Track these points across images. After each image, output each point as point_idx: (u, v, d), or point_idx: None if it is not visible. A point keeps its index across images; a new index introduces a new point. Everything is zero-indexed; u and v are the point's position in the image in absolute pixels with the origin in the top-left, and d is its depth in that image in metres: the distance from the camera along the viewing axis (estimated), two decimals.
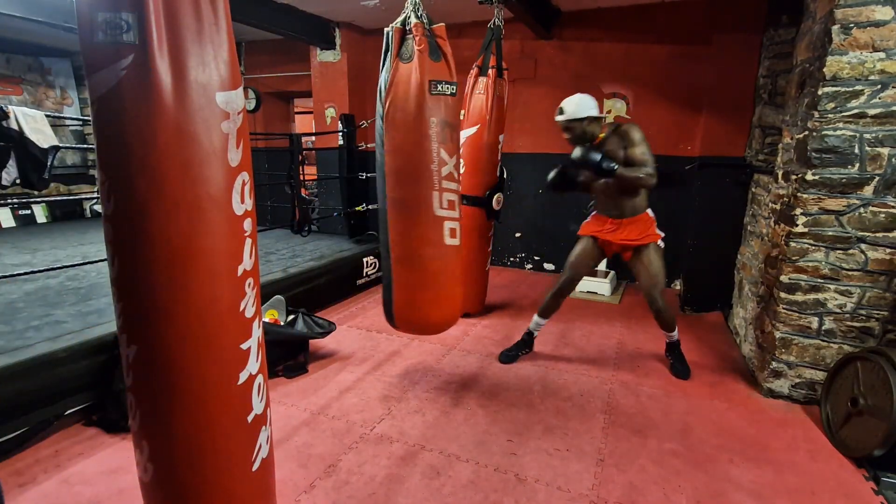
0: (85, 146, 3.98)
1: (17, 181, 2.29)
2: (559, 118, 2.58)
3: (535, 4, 3.88)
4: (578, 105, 2.54)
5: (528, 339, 2.98)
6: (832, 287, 2.31)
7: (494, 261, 4.57)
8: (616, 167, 2.44)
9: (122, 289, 1.14)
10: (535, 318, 2.93)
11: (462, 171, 3.30)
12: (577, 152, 2.51)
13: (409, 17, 2.04)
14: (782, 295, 2.40)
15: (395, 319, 2.36)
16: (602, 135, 2.60)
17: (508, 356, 2.93)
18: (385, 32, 2.08)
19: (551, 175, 2.77)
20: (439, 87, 2.06)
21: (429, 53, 2.04)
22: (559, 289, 2.84)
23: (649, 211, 2.67)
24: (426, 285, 2.25)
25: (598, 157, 2.44)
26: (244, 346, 1.25)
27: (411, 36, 2.04)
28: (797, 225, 2.32)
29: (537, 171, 4.78)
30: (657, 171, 2.44)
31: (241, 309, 1.23)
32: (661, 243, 2.66)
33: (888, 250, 2.19)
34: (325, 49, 4.98)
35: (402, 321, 2.36)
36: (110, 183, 1.08)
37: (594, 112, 2.55)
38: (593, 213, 2.83)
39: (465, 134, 3.29)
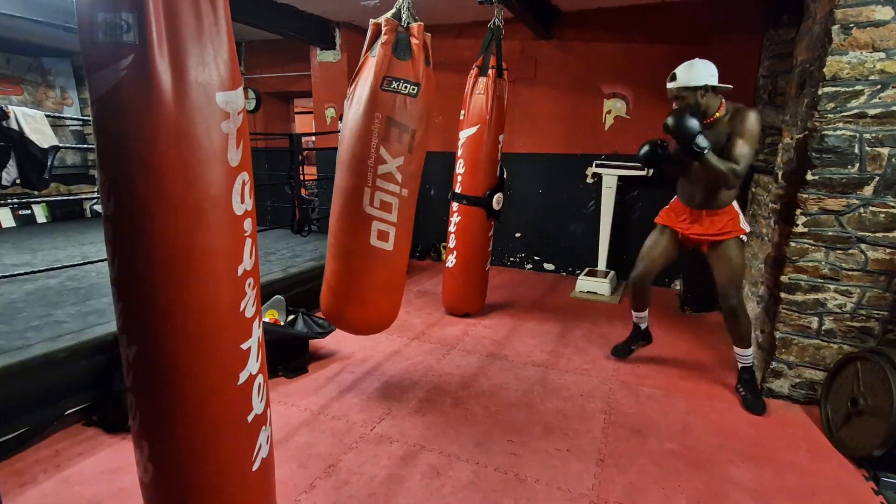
0: (85, 146, 3.98)
1: (17, 181, 2.29)
2: (671, 85, 2.26)
3: (535, 4, 3.88)
4: (695, 71, 2.20)
5: (638, 331, 2.85)
6: (832, 287, 2.31)
7: (494, 261, 4.57)
8: (706, 149, 2.14)
9: (122, 289, 1.14)
10: (633, 313, 2.81)
11: (462, 170, 3.33)
12: (671, 118, 2.19)
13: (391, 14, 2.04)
14: (782, 295, 2.40)
15: (321, 306, 2.34)
16: (719, 114, 2.26)
17: (620, 350, 2.86)
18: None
19: (643, 149, 2.45)
20: (394, 85, 2.02)
21: (394, 49, 2.01)
22: (633, 287, 2.67)
23: (735, 203, 2.40)
24: (347, 280, 2.21)
25: (694, 126, 2.12)
26: (244, 346, 1.25)
27: (382, 31, 2.03)
28: (797, 225, 2.32)
29: (537, 171, 4.79)
30: (744, 172, 2.22)
31: (241, 309, 1.23)
32: (744, 238, 2.39)
33: (888, 250, 2.19)
34: (325, 49, 4.98)
35: (325, 310, 2.34)
36: (110, 183, 1.08)
37: (713, 81, 2.21)
38: (674, 197, 2.56)
39: (465, 134, 3.29)
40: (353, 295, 2.22)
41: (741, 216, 2.41)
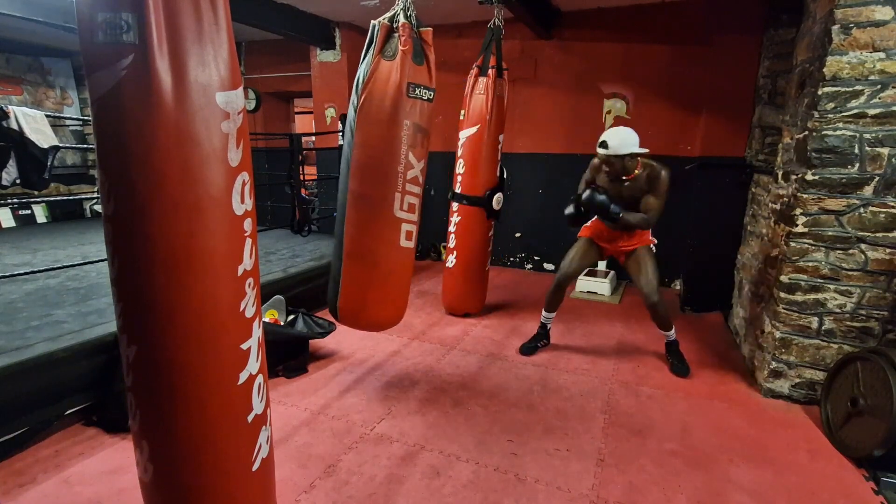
0: (85, 146, 3.97)
1: (17, 181, 2.29)
2: (601, 152, 2.60)
3: (535, 4, 3.88)
4: (623, 141, 2.56)
5: (543, 331, 3.10)
6: (832, 287, 2.31)
7: (494, 261, 4.57)
8: (619, 213, 2.58)
9: (122, 289, 1.14)
10: (544, 312, 3.06)
11: (462, 170, 3.32)
12: (586, 195, 2.64)
13: (398, 16, 2.03)
14: (782, 295, 2.40)
15: (338, 312, 2.33)
16: (637, 171, 2.65)
17: (528, 348, 3.04)
18: (371, 25, 2.06)
19: (568, 210, 2.81)
20: (417, 91, 2.05)
21: (412, 55, 2.02)
22: (556, 286, 2.94)
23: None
24: (376, 284, 2.23)
25: (605, 202, 2.58)
26: (244, 346, 1.25)
27: (398, 35, 2.02)
28: (797, 225, 2.32)
29: (537, 171, 4.79)
30: (656, 221, 2.63)
31: (241, 309, 1.23)
32: (652, 247, 2.79)
33: (888, 250, 2.19)
34: (325, 49, 4.98)
35: (346, 315, 2.33)
36: (110, 183, 1.08)
37: (636, 149, 2.58)
38: (594, 217, 2.88)
39: (465, 134, 3.29)
40: (382, 295, 2.27)
41: (650, 232, 2.83)
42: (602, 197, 2.60)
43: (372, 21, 2.06)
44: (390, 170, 2.09)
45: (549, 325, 3.09)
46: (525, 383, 2.66)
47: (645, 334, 3.34)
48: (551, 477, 1.92)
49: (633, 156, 2.61)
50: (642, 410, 2.41)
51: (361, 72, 2.08)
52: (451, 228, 3.45)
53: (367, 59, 2.07)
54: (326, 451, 2.05)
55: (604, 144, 2.58)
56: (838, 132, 2.18)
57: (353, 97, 2.11)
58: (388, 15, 2.04)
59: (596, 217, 2.86)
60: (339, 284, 2.28)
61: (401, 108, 2.03)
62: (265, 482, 1.42)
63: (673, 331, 2.85)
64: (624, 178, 2.66)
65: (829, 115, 2.18)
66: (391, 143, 2.07)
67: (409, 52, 2.01)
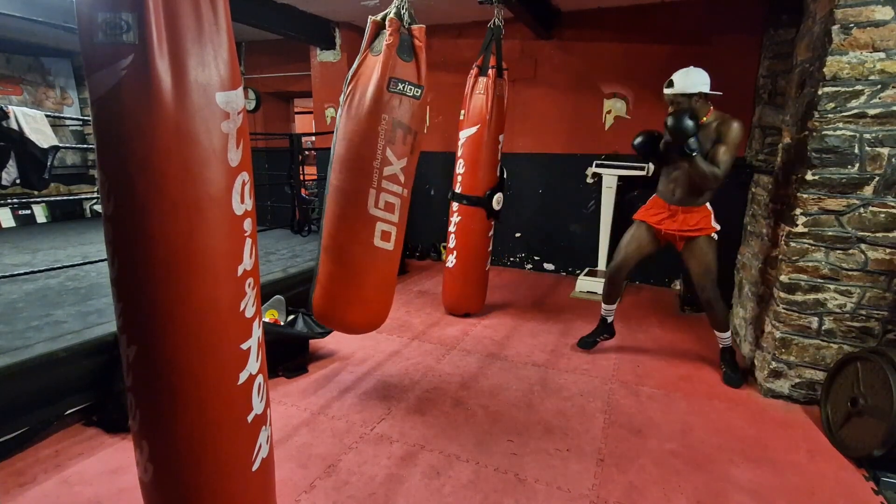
0: (85, 146, 3.98)
1: (17, 181, 2.29)
2: (668, 91, 2.45)
3: (535, 4, 3.88)
4: (690, 78, 2.40)
5: (604, 324, 3.01)
6: (832, 287, 2.31)
7: (494, 261, 4.57)
8: (696, 151, 2.34)
9: (122, 289, 1.14)
10: (603, 305, 2.97)
11: (462, 170, 3.33)
12: (670, 118, 2.38)
13: (390, 12, 2.03)
14: (782, 295, 2.40)
15: (313, 308, 2.30)
16: (706, 119, 2.46)
17: (587, 342, 2.99)
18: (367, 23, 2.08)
19: (638, 138, 2.62)
20: (400, 87, 2.02)
21: (398, 50, 2.00)
22: (609, 276, 2.83)
23: (708, 204, 2.59)
24: (346, 282, 2.18)
25: (691, 129, 2.31)
26: (244, 346, 1.25)
27: (385, 31, 2.02)
28: (797, 225, 2.32)
29: (537, 171, 4.79)
30: (725, 177, 2.40)
31: (241, 309, 1.23)
32: (715, 236, 2.58)
33: (888, 250, 2.19)
34: (325, 49, 4.98)
35: (319, 313, 2.29)
36: (110, 183, 1.08)
37: (705, 88, 2.40)
38: (653, 195, 2.74)
39: (465, 134, 3.29)
40: (354, 296, 2.21)
41: (712, 215, 2.59)
42: (690, 122, 2.30)
43: (368, 18, 2.08)
44: (365, 164, 2.05)
45: (609, 319, 2.97)
46: (525, 383, 2.66)
47: (645, 334, 3.34)
48: (551, 477, 1.92)
49: (704, 97, 2.42)
50: (642, 410, 2.41)
51: (351, 68, 2.09)
52: (451, 228, 3.45)
53: (358, 55, 2.09)
54: (326, 451, 2.05)
55: (670, 83, 2.43)
56: (838, 132, 2.18)
57: (343, 94, 2.12)
58: (381, 13, 2.05)
59: (653, 195, 2.70)
60: (315, 280, 2.27)
61: (380, 102, 2.00)
62: (265, 482, 1.42)
63: (729, 334, 2.68)
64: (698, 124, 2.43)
65: (829, 115, 2.18)
66: (367, 136, 2.03)
67: (393, 47, 1.99)
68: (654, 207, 2.71)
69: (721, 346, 2.74)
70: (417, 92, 2.07)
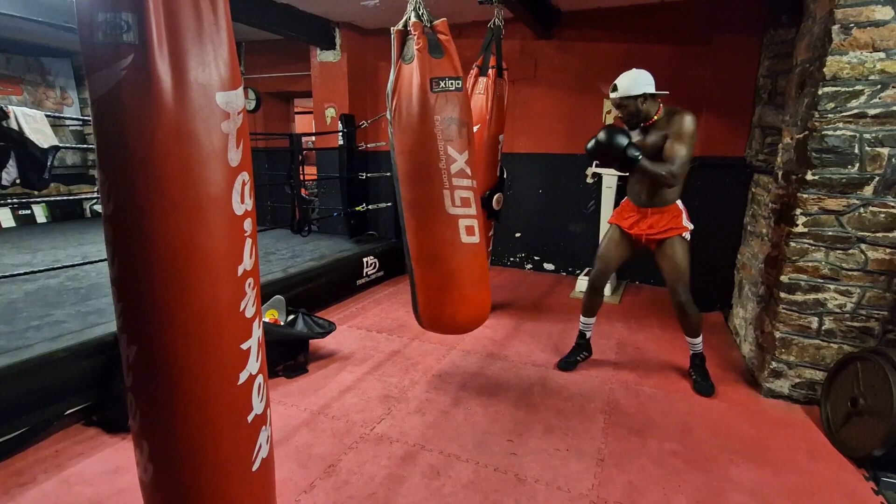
0: (85, 146, 3.97)
1: (17, 181, 2.29)
2: (613, 95, 2.42)
3: (535, 4, 3.88)
4: (634, 81, 2.36)
5: (583, 340, 2.83)
6: (832, 287, 2.31)
7: (494, 261, 4.57)
8: (640, 157, 2.26)
9: (122, 289, 1.14)
10: (581, 318, 2.80)
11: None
12: (601, 133, 2.31)
13: (410, 17, 2.04)
14: (782, 295, 2.40)
15: (421, 320, 2.36)
16: (657, 116, 2.41)
17: (567, 363, 2.81)
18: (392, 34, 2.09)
19: (589, 145, 2.45)
20: (442, 84, 2.04)
21: (429, 51, 2.02)
22: (591, 285, 2.71)
23: (679, 202, 2.52)
24: (446, 285, 2.22)
25: (622, 141, 2.25)
26: (244, 346, 1.25)
27: (412, 36, 2.03)
28: (797, 225, 2.32)
29: (537, 171, 4.79)
30: (684, 171, 2.32)
31: (241, 309, 1.23)
32: (686, 236, 2.50)
33: (888, 250, 2.19)
34: (325, 49, 4.98)
35: (427, 321, 2.35)
36: (110, 183, 1.08)
37: (650, 89, 2.36)
38: (624, 198, 2.68)
39: None
40: (457, 296, 2.23)
41: (684, 214, 2.52)
42: (622, 138, 2.25)
43: (391, 29, 2.09)
44: (433, 169, 2.08)
45: (588, 334, 2.81)
46: (525, 383, 2.66)
47: (645, 334, 3.34)
48: (551, 477, 1.92)
49: (651, 97, 2.37)
50: (642, 410, 2.41)
51: (389, 83, 2.10)
52: None
53: (392, 68, 2.10)
54: (326, 451, 2.05)
55: (614, 88, 2.38)
56: (838, 132, 2.18)
57: (388, 111, 2.13)
58: (402, 20, 2.06)
59: (625, 198, 2.61)
60: (416, 292, 2.30)
61: (427, 105, 2.03)
62: (265, 482, 1.42)
63: (700, 339, 2.59)
64: (643, 124, 2.41)
65: (829, 115, 2.18)
66: (425, 143, 2.06)
67: (424, 49, 2.01)
68: (626, 210, 2.63)
69: (691, 352, 2.66)
70: (458, 84, 2.09)
